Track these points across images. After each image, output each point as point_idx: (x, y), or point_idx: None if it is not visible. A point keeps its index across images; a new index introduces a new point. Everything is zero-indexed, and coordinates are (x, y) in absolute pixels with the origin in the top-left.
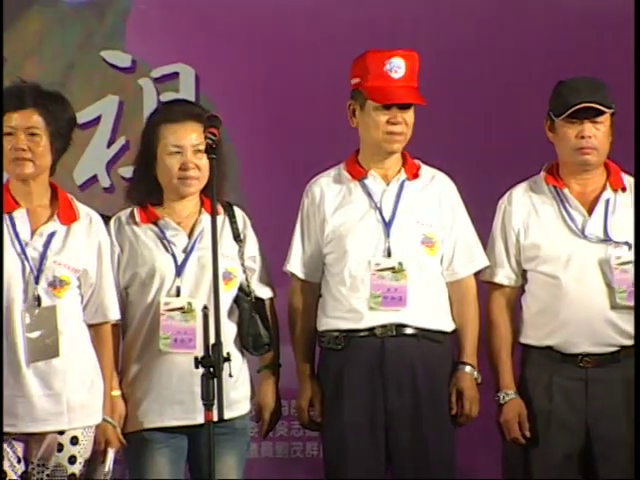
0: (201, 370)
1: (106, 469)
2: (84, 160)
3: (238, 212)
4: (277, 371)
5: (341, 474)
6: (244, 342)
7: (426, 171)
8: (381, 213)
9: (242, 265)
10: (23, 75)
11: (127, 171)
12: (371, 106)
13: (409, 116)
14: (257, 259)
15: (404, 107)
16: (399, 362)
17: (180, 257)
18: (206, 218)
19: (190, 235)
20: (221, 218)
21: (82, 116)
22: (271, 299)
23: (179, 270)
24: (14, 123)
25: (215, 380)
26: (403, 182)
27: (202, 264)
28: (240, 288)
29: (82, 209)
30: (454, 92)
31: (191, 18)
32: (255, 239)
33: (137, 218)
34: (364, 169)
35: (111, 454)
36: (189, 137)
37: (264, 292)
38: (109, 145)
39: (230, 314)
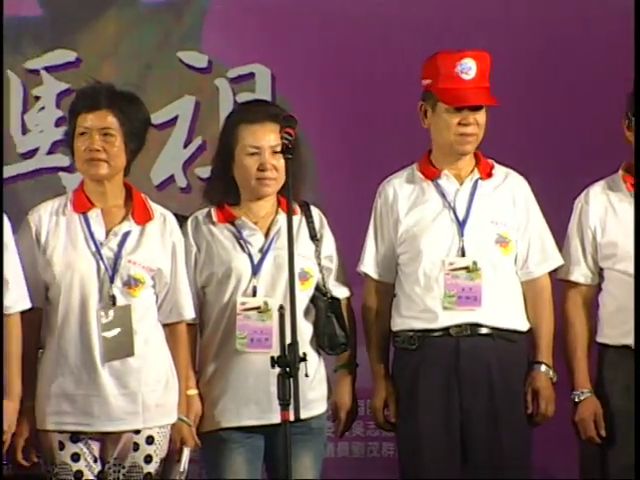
0: (277, 370)
1: (181, 468)
2: (161, 160)
3: (315, 212)
4: (354, 371)
5: (416, 474)
6: (320, 342)
7: (499, 170)
8: (455, 213)
9: (319, 265)
10: (100, 76)
11: (204, 171)
12: (442, 108)
13: (481, 117)
14: (334, 259)
15: (476, 108)
16: (474, 362)
17: (256, 257)
18: (283, 218)
19: (267, 235)
20: (298, 218)
21: (159, 117)
22: (347, 299)
23: (255, 270)
24: (89, 124)
25: (291, 380)
26: (477, 181)
27: (278, 264)
28: (317, 288)
29: (156, 209)
30: (529, 92)
31: (267, 18)
32: (332, 239)
33: (214, 218)
34: (437, 169)
35: (186, 453)
36: (267, 138)
37: (340, 292)
38: (186, 145)
39: (306, 314)
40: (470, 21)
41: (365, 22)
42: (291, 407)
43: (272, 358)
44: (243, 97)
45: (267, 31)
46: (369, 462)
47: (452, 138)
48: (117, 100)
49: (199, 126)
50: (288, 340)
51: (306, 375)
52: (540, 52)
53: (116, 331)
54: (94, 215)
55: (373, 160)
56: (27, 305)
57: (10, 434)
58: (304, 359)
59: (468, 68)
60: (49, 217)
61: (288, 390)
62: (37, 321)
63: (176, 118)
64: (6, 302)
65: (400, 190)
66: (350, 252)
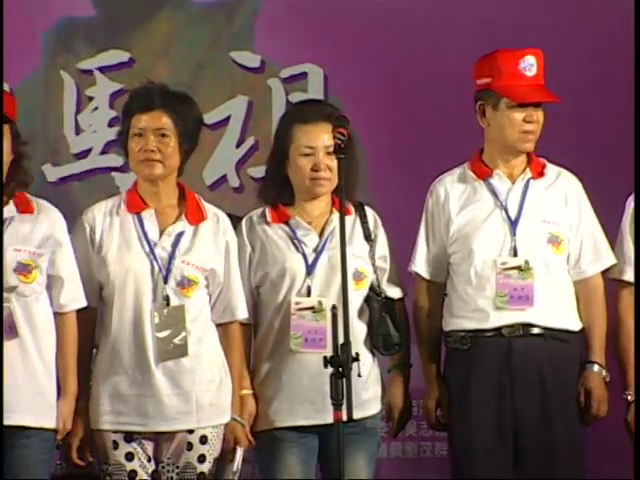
0: (330, 369)
1: (234, 468)
2: (213, 160)
3: (369, 212)
4: (407, 371)
5: (469, 474)
6: (374, 342)
7: (551, 169)
8: (507, 212)
9: (373, 265)
10: (152, 77)
11: (256, 171)
12: (505, 105)
13: (540, 115)
14: (388, 259)
15: (537, 106)
16: (526, 362)
17: (311, 257)
18: (337, 218)
19: (321, 235)
20: (352, 218)
21: (211, 117)
22: (401, 299)
23: (310, 269)
24: (143, 124)
25: (344, 380)
26: (528, 181)
27: (332, 264)
28: (371, 288)
29: (209, 209)
30: (581, 91)
31: (319, 18)
32: (386, 239)
33: (268, 218)
34: (489, 168)
35: (240, 453)
36: (321, 138)
37: (394, 292)
38: (238, 145)
39: (360, 314)
40: (519, 21)
41: (416, 23)
42: (344, 407)
43: (325, 358)
44: (295, 97)
45: (320, 31)
46: (422, 462)
47: (516, 136)
48: (171, 100)
49: (252, 126)
50: (341, 340)
51: (359, 375)
52: (590, 51)
53: (170, 331)
54: (148, 215)
55: (423, 160)
56: (83, 304)
57: (65, 433)
58: (357, 359)
59: (530, 65)
60: (103, 217)
61: (341, 390)
62: (92, 320)
63: (229, 118)
64: (62, 300)
65: (451, 189)
66: (401, 252)
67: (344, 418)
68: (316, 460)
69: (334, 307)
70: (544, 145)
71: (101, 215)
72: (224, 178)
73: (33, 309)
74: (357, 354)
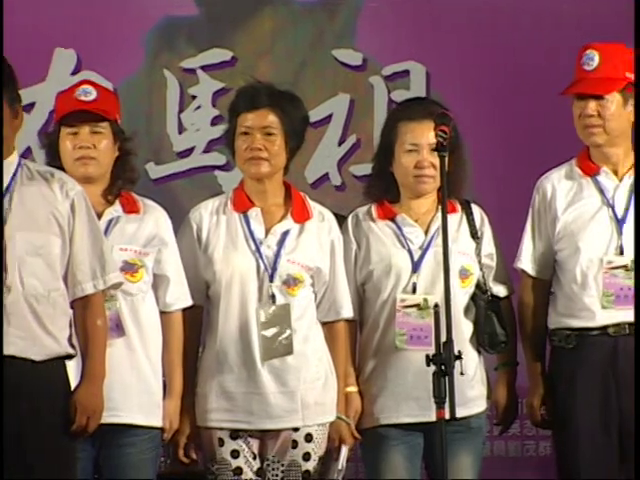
0: (434, 367)
1: (339, 466)
2: (315, 158)
3: (476, 209)
4: (514, 369)
5: (574, 474)
6: (480, 340)
7: None
8: (614, 210)
9: (479, 262)
10: (255, 75)
11: (358, 169)
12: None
13: (603, 106)
14: (494, 256)
15: (597, 97)
16: (632, 362)
17: (416, 254)
18: None
19: (427, 232)
20: (458, 215)
21: (313, 115)
22: (508, 297)
23: (415, 266)
24: (250, 123)
25: (446, 378)
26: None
27: (438, 261)
28: (477, 286)
29: (315, 207)
30: None
31: (421, 15)
32: (492, 237)
33: (374, 214)
34: (596, 165)
35: (344, 451)
36: (426, 135)
37: (501, 290)
38: (340, 143)
39: (466, 312)
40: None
41: (522, 17)
42: (447, 405)
43: (427, 356)
44: (398, 95)
45: (422, 28)
46: (525, 461)
47: (578, 130)
48: (277, 99)
49: (353, 124)
50: (444, 338)
51: (461, 373)
52: None
53: (275, 330)
54: (254, 214)
55: (529, 157)
56: (188, 302)
57: (172, 431)
58: (459, 357)
59: (590, 59)
60: (210, 216)
61: (443, 388)
62: (198, 319)
63: (331, 116)
64: (168, 299)
65: (558, 186)
66: (507, 250)
67: (447, 416)
68: (421, 458)
69: (436, 305)
70: None
71: (208, 214)
72: (326, 176)
73: (139, 308)
74: (460, 352)
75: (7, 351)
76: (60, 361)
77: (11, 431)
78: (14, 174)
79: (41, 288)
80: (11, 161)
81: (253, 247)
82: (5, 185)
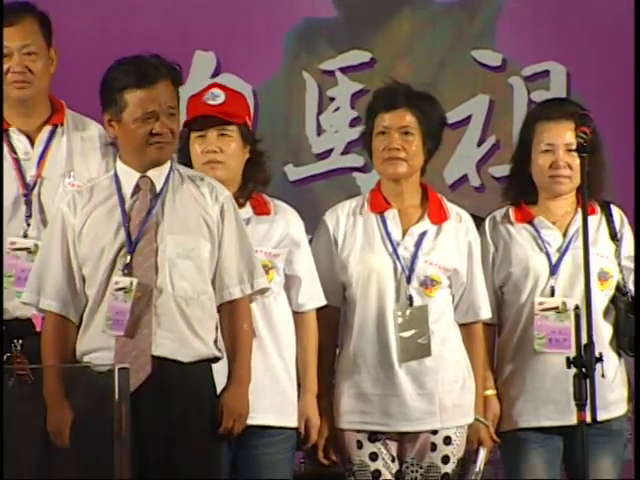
0: (574, 370)
1: (477, 469)
2: (454, 160)
3: (615, 211)
4: None
5: None
6: (620, 343)
7: None
8: None
9: (619, 265)
10: (394, 76)
11: (497, 170)
12: None
13: None
14: (634, 259)
15: None
16: None
17: (555, 256)
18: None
19: (565, 234)
20: (597, 217)
21: (452, 116)
22: None
23: (553, 269)
24: (387, 123)
25: (587, 381)
26: None
27: (577, 263)
28: (617, 288)
29: (452, 208)
30: None
31: (562, 15)
32: (632, 238)
33: (512, 217)
34: None
35: (483, 454)
36: (562, 136)
37: None
38: (479, 144)
39: (606, 314)
40: None
41: None
42: (588, 408)
43: (567, 358)
44: (537, 95)
45: (562, 28)
46: None
47: None
48: (415, 99)
49: (493, 125)
50: (585, 340)
51: (602, 376)
52: None
53: (413, 331)
54: (391, 215)
55: None
56: (322, 302)
57: (314, 430)
58: (600, 359)
59: None
60: (346, 217)
61: (584, 391)
62: (335, 320)
63: (470, 117)
64: (300, 300)
65: None
66: None
67: (587, 420)
68: (561, 461)
69: (577, 307)
70: None
71: (344, 215)
72: (465, 177)
73: (272, 309)
74: (601, 355)
75: (156, 352)
76: (207, 363)
77: (160, 432)
78: (167, 177)
79: (191, 291)
80: (165, 164)
81: (390, 248)
82: (158, 189)
